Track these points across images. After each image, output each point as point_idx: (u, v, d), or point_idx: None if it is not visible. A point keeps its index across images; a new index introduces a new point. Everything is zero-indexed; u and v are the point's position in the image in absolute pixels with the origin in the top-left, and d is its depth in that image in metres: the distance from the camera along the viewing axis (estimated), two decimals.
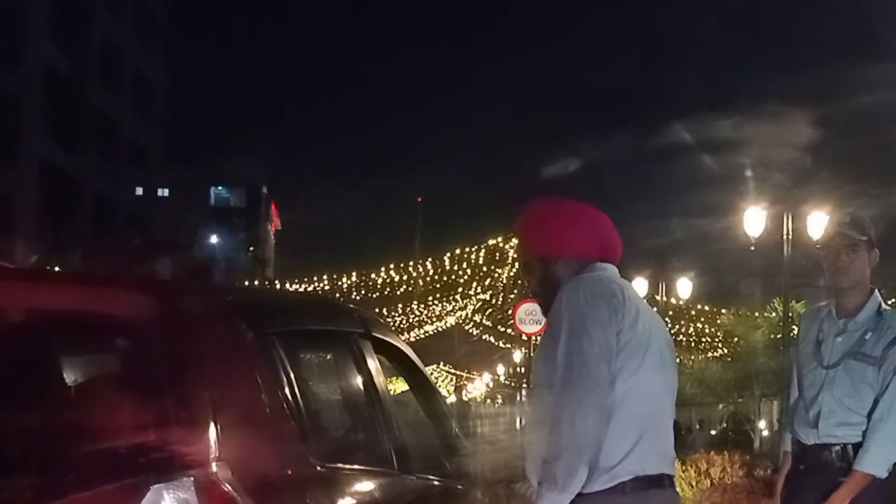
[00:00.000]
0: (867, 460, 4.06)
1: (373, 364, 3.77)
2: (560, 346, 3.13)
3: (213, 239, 53.65)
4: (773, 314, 22.69)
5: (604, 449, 3.11)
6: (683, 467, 11.87)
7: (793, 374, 4.52)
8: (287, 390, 3.01)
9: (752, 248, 20.51)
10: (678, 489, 11.30)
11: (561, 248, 3.35)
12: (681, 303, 35.06)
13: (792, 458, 4.37)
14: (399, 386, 5.00)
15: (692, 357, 34.39)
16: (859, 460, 4.07)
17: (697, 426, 35.17)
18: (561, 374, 3.10)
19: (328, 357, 3.85)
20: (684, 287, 30.57)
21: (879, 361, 4.13)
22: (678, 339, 43.58)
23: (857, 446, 4.11)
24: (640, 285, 33.47)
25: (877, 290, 4.32)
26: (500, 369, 56.36)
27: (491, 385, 58.39)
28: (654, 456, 3.21)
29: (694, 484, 11.57)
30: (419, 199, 59.31)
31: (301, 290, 40.98)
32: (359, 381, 3.69)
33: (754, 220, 19.80)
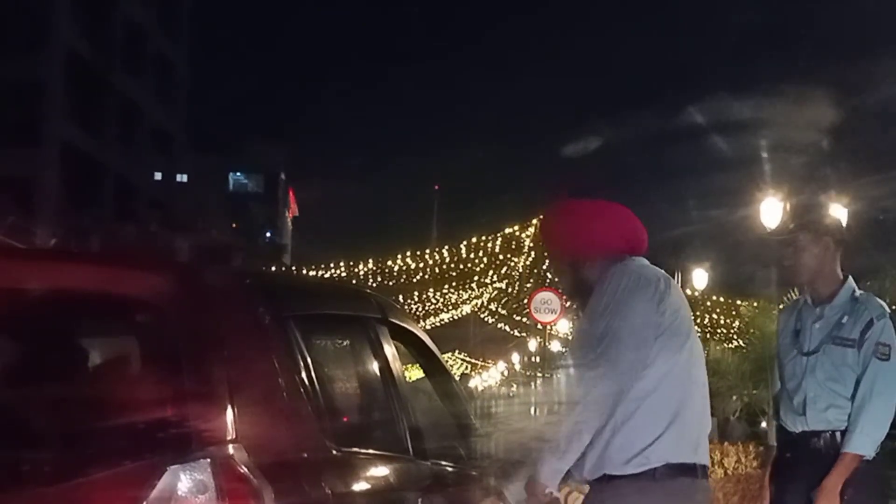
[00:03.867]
0: (854, 442, 4.08)
1: (389, 349, 3.78)
2: (597, 324, 3.20)
3: (232, 225, 53.77)
4: None
5: (635, 431, 3.17)
6: None
7: (774, 367, 4.54)
8: (304, 373, 3.02)
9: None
10: None
11: (590, 250, 3.39)
12: (696, 293, 34.92)
13: (777, 448, 4.40)
14: (415, 373, 5.02)
15: (707, 348, 34.30)
16: (847, 442, 4.08)
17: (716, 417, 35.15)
18: (593, 349, 3.17)
19: (345, 341, 3.87)
20: (700, 278, 30.50)
21: (858, 343, 4.15)
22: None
23: (845, 433, 4.13)
24: None
25: (850, 277, 4.30)
26: (515, 358, 56.34)
27: (506, 374, 58.39)
28: (685, 444, 3.25)
29: (707, 474, 11.54)
30: (436, 188, 59.32)
31: (318, 276, 41.04)
32: (375, 366, 3.70)
33: (771, 210, 19.75)
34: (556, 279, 3.58)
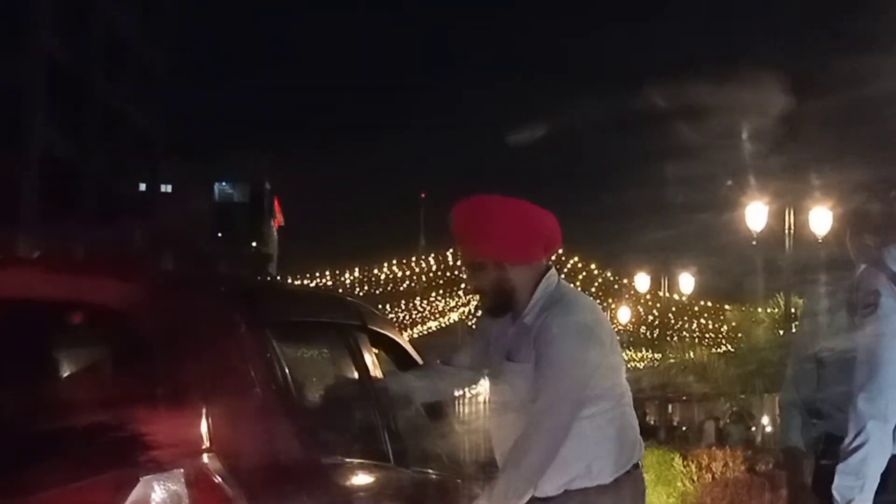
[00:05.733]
0: None
1: (369, 356, 3.75)
2: (544, 376, 3.28)
3: (217, 234, 53.66)
4: (776, 310, 22.69)
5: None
6: (685, 462, 11.86)
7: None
8: (280, 381, 2.98)
9: (755, 242, 20.47)
10: (679, 483, 11.20)
11: (517, 254, 3.40)
12: (683, 298, 35.06)
13: (822, 455, 3.78)
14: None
15: (695, 353, 34.35)
16: None
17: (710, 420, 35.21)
18: (542, 401, 3.27)
19: (323, 349, 3.82)
20: (686, 282, 30.56)
21: None
22: (681, 334, 43.62)
23: None
24: (641, 280, 33.51)
25: None
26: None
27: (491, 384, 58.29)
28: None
29: (695, 479, 11.55)
30: (423, 195, 59.31)
31: (298, 283, 41.03)
32: (354, 373, 3.66)
33: (756, 215, 19.79)
34: (471, 277, 3.49)
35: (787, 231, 20.11)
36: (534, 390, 3.30)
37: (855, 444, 3.06)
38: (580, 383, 3.28)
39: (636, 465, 3.47)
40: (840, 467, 3.10)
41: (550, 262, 3.52)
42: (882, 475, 3.10)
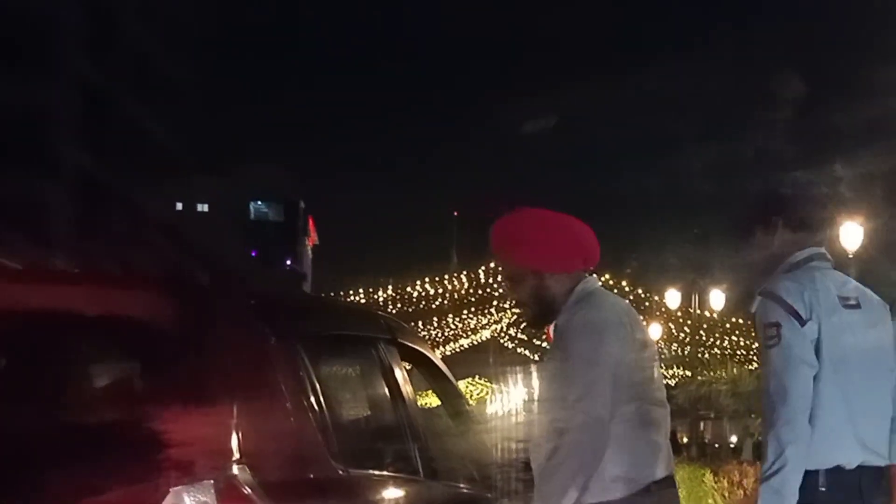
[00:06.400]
0: None
1: (398, 370, 3.75)
2: (569, 371, 3.23)
3: (252, 253, 53.99)
4: None
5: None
6: (716, 478, 11.80)
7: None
8: (310, 393, 3.00)
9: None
10: (710, 501, 11.10)
11: (554, 263, 3.41)
12: (714, 315, 34.85)
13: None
14: (433, 400, 4.98)
15: (726, 370, 34.19)
16: None
17: (736, 438, 34.96)
18: (568, 401, 3.20)
19: (353, 362, 3.83)
20: (717, 299, 30.37)
21: None
22: (712, 351, 43.32)
23: None
24: (672, 297, 33.36)
25: None
26: (535, 383, 56.13)
27: (526, 398, 58.25)
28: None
29: (727, 495, 11.48)
30: (455, 214, 59.39)
31: (328, 296, 41.20)
32: (384, 386, 3.67)
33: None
34: (511, 290, 3.51)
35: None
36: (562, 388, 3.25)
37: (775, 467, 3.29)
38: (606, 374, 3.20)
39: (661, 483, 3.33)
40: (762, 488, 3.33)
41: (590, 271, 3.50)
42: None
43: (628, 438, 3.26)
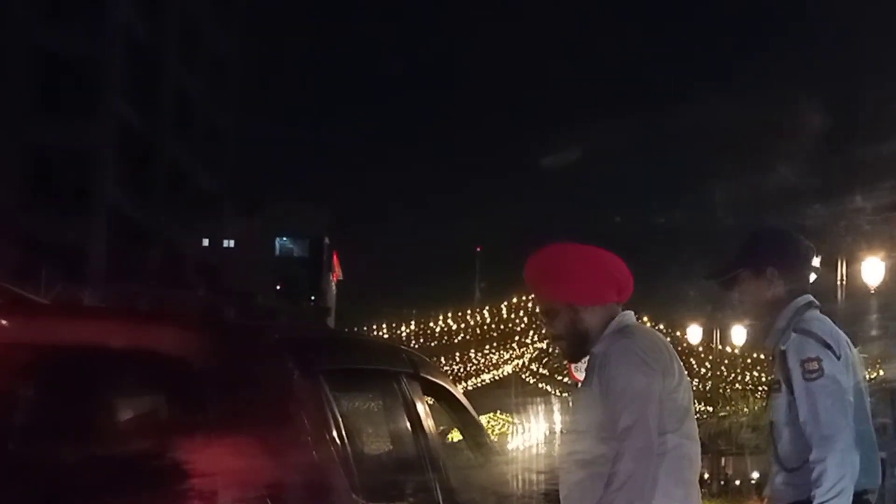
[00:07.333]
0: None
1: (420, 404, 3.75)
2: (614, 399, 3.23)
3: (276, 288, 54.56)
4: None
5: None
6: None
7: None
8: (332, 427, 3.01)
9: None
10: None
11: (588, 296, 3.44)
12: (736, 350, 35.01)
13: None
14: (456, 435, 4.92)
15: (748, 405, 34.22)
16: None
17: (756, 474, 35.05)
18: (618, 429, 3.20)
19: (376, 395, 3.84)
20: (739, 334, 30.58)
21: None
22: (734, 386, 43.23)
23: None
24: (694, 332, 33.66)
25: None
26: (557, 418, 56.30)
27: (547, 434, 58.37)
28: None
29: None
30: (478, 249, 59.77)
31: (351, 330, 41.66)
32: (406, 420, 3.67)
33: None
34: (546, 324, 3.54)
35: (839, 282, 20.27)
36: (602, 416, 3.25)
37: (835, 490, 3.52)
38: (654, 404, 3.21)
39: None
40: None
41: (624, 305, 3.52)
42: None
43: (665, 474, 3.26)
